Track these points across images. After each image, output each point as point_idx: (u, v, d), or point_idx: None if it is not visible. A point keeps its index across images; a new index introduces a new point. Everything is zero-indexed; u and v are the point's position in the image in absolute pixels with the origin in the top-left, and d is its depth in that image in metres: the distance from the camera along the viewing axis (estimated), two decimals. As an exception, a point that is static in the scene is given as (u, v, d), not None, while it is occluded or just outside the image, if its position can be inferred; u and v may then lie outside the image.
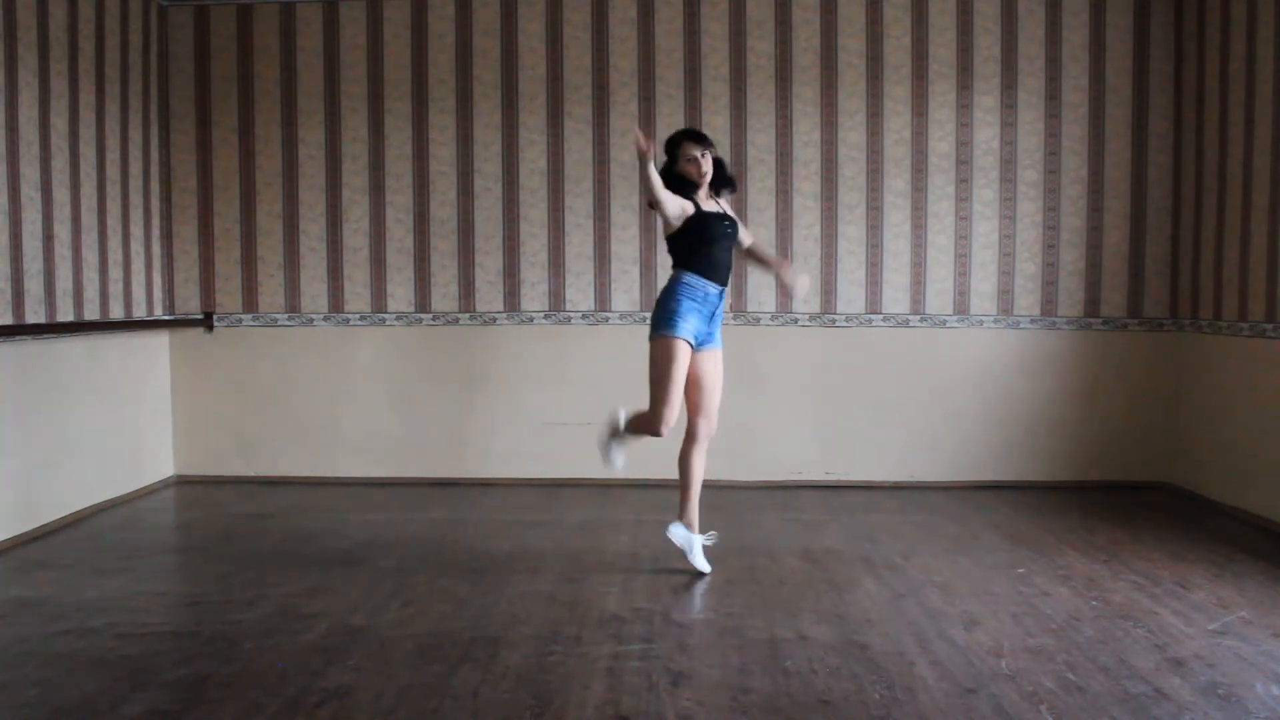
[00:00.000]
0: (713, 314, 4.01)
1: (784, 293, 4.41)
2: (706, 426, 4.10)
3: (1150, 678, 2.99)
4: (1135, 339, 5.78)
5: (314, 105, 5.90)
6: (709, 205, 4.04)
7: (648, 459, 6.02)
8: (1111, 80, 5.71)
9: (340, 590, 3.84)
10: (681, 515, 4.08)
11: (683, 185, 3.98)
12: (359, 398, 5.95)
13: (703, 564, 4.03)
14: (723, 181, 4.12)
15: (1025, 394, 5.78)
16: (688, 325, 3.92)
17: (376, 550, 4.43)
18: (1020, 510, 5.21)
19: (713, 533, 4.22)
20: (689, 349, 3.95)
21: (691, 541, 4.04)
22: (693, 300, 3.94)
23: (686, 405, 4.09)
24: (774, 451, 5.82)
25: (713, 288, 3.97)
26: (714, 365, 4.08)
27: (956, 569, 4.14)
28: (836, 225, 5.79)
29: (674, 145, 4.05)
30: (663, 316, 3.94)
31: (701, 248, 3.95)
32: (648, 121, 5.78)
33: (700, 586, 3.92)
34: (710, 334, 4.05)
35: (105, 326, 5.22)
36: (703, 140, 4.03)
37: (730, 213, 4.15)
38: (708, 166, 3.98)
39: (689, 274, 3.96)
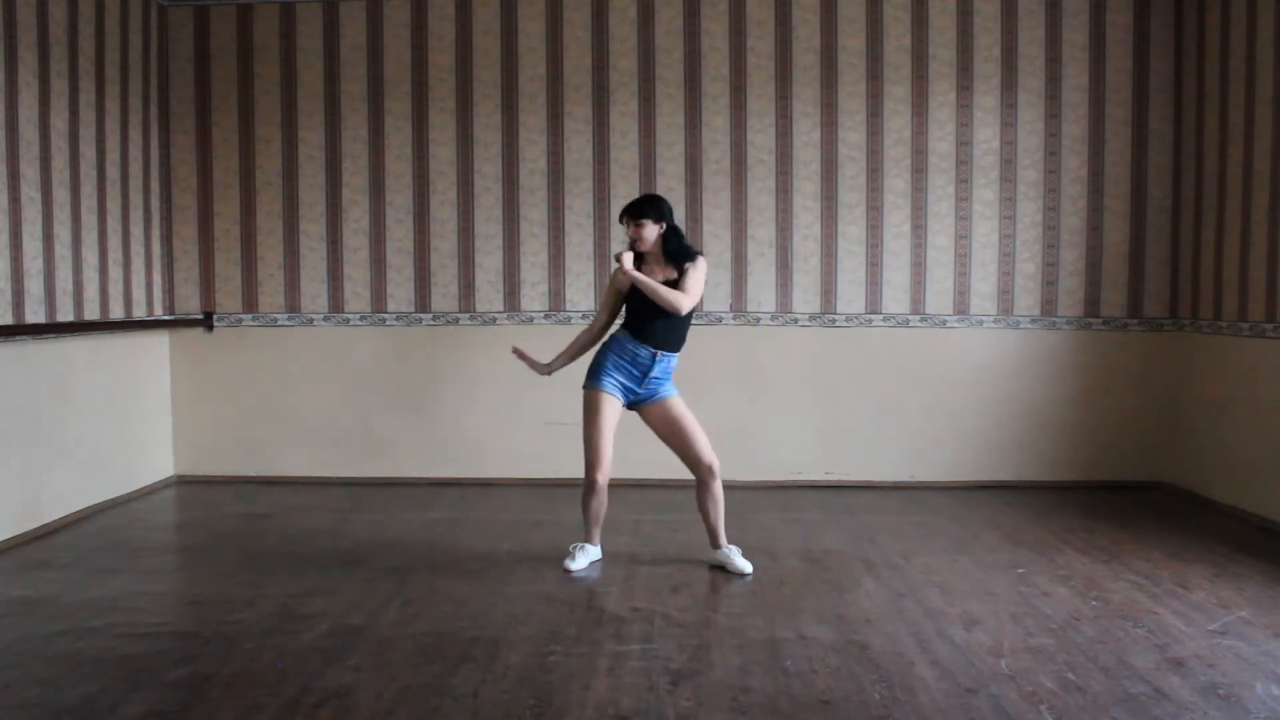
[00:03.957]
0: (644, 375, 4.05)
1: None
2: (699, 470, 4.11)
3: (1150, 678, 2.99)
4: (1135, 339, 5.78)
5: (314, 105, 5.90)
6: (656, 275, 4.08)
7: (647, 459, 6.00)
8: (1111, 80, 5.71)
9: (340, 590, 3.84)
10: (713, 543, 4.21)
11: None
12: (359, 398, 5.95)
13: (744, 565, 4.11)
14: (675, 255, 4.10)
15: (1025, 394, 5.77)
16: (610, 380, 4.06)
17: (376, 550, 4.43)
18: (1020, 510, 5.21)
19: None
20: (612, 401, 4.05)
21: (728, 554, 4.15)
22: (620, 357, 4.06)
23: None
24: (774, 451, 5.81)
25: (643, 350, 4.04)
26: (666, 414, 4.11)
27: (956, 569, 4.14)
28: (836, 225, 5.78)
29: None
30: (590, 368, 4.13)
31: (636, 312, 4.08)
32: (648, 121, 5.78)
33: (701, 586, 3.92)
34: (646, 394, 4.09)
35: (105, 326, 5.22)
36: (629, 211, 4.10)
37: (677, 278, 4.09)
38: (632, 233, 4.06)
39: (621, 331, 4.12)
